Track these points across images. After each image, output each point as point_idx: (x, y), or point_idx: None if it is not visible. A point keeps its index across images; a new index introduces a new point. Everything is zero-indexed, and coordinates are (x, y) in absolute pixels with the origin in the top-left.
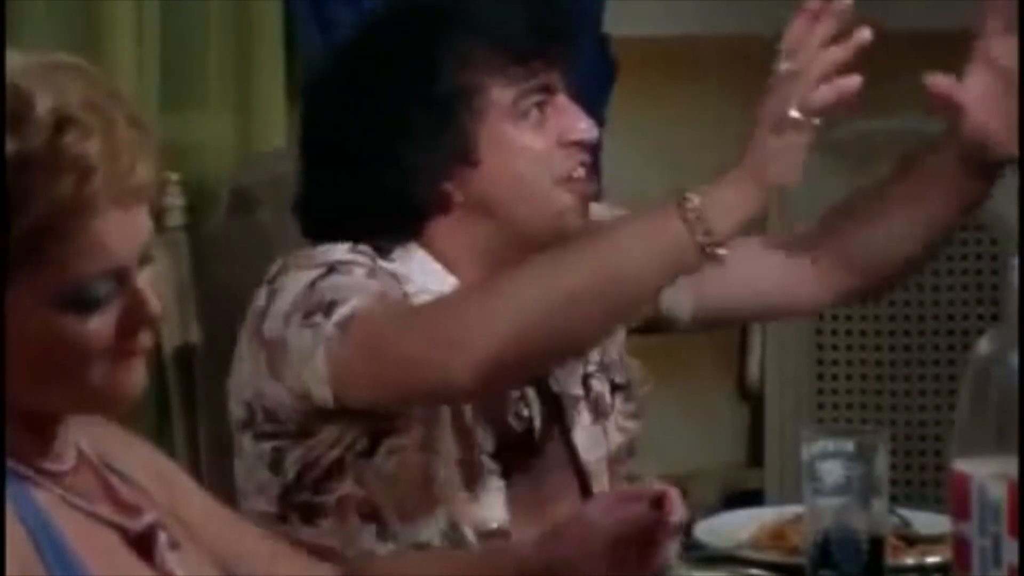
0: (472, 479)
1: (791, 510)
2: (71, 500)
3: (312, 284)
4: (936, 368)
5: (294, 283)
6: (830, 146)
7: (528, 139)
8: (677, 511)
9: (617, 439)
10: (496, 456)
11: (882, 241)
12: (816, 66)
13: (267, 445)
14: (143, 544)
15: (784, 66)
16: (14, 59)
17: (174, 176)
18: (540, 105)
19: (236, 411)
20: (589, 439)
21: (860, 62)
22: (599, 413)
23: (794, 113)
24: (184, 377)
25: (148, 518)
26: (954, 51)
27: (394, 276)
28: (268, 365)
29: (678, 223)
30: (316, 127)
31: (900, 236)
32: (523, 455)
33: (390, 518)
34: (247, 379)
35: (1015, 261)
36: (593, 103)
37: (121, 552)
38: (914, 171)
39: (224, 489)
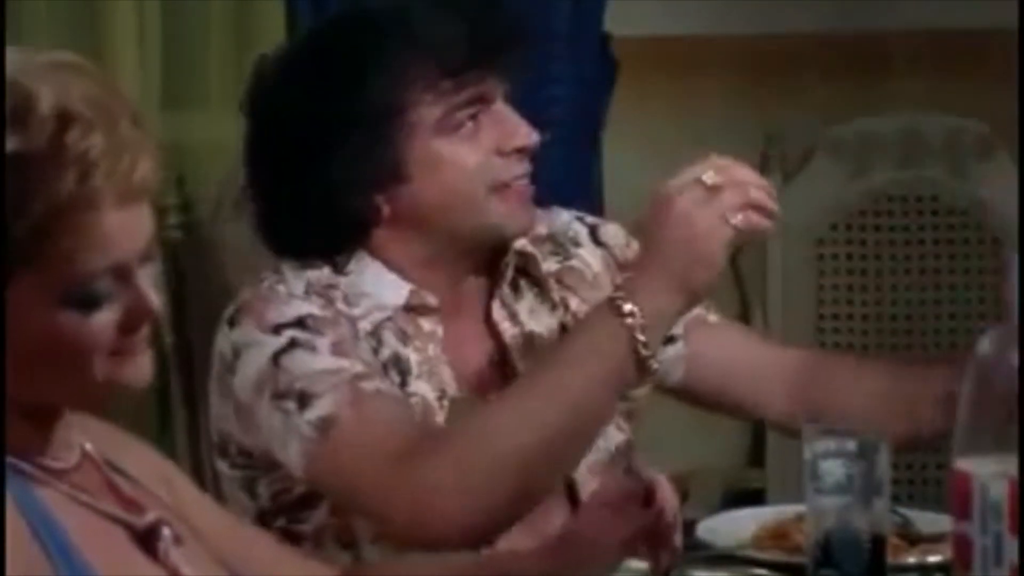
0: None
1: (793, 509)
2: (76, 496)
3: (276, 359)
4: None
5: (256, 351)
6: (830, 146)
7: (460, 152)
8: (670, 499)
9: (618, 438)
10: None
11: (859, 406)
12: (742, 196)
13: (239, 472)
14: (148, 540)
15: (709, 177)
16: (15, 57)
17: (174, 175)
18: (474, 116)
19: (213, 435)
20: None
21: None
22: None
23: (715, 222)
24: (185, 375)
25: (152, 515)
26: (954, 51)
27: (346, 299)
28: (238, 419)
29: (623, 340)
30: (256, 140)
31: (876, 411)
32: None
33: (366, 546)
34: (219, 412)
35: (1016, 260)
36: (594, 103)
37: (127, 548)
38: (906, 373)
39: None
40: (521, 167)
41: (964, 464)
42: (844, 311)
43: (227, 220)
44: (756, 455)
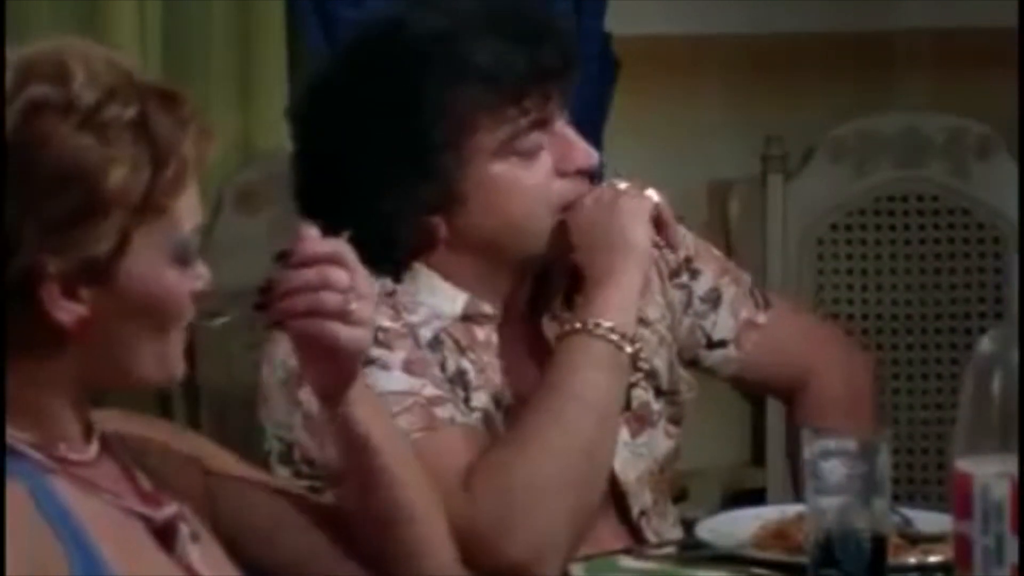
0: None
1: (793, 509)
2: (93, 488)
3: None
4: (938, 367)
5: None
6: (830, 146)
7: (520, 175)
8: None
9: (666, 446)
10: None
11: None
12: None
13: (304, 482)
14: (165, 535)
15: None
16: (14, 54)
17: None
18: (534, 139)
19: (273, 444)
20: (628, 455)
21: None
22: (644, 423)
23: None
24: (186, 373)
25: (170, 509)
26: (955, 51)
27: (404, 306)
28: (308, 431)
29: (610, 351)
30: (307, 161)
31: None
32: None
33: None
34: (282, 420)
35: (1016, 260)
36: (594, 102)
37: (142, 541)
38: None
39: None
40: (582, 189)
41: (965, 464)
42: (844, 311)
43: (229, 218)
44: (756, 455)
